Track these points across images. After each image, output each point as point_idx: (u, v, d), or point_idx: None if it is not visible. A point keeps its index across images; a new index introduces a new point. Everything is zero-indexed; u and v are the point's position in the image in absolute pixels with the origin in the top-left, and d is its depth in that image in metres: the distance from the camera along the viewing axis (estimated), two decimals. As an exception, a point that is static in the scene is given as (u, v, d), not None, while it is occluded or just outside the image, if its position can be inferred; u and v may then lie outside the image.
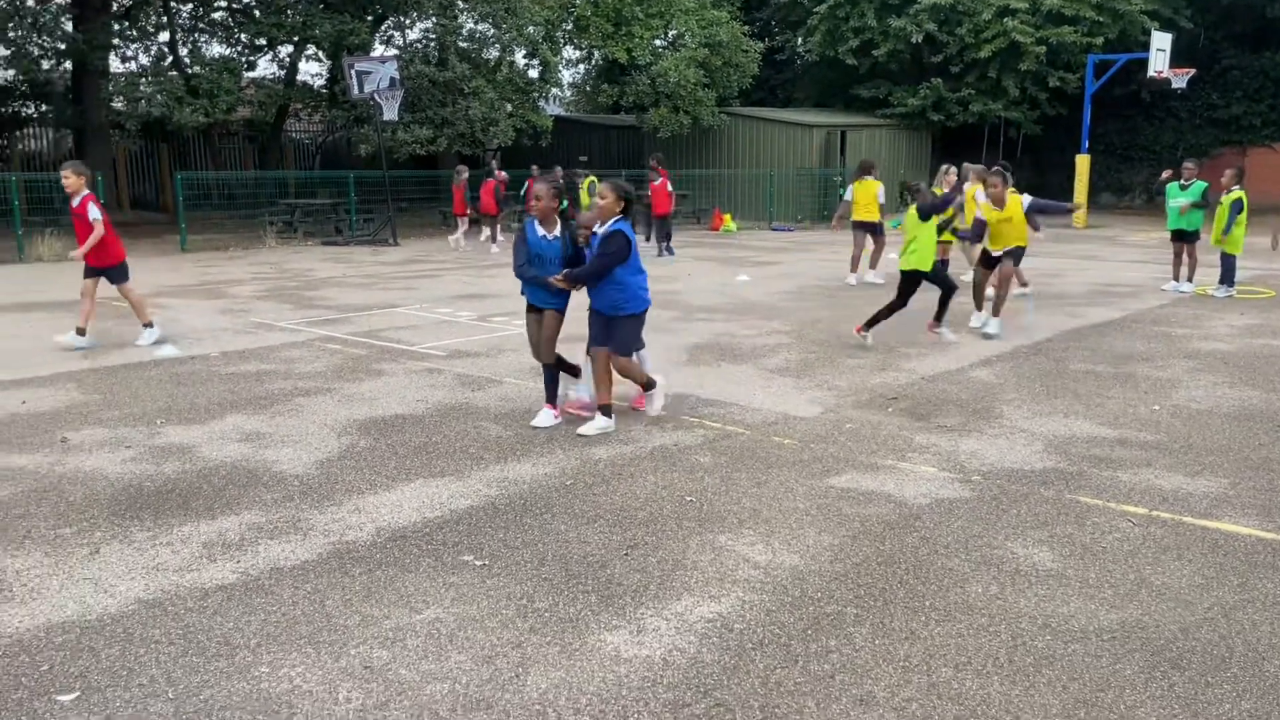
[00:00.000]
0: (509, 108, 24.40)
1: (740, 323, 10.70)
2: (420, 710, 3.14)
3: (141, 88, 22.47)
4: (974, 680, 3.32)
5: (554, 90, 28.59)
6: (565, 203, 6.43)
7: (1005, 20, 27.04)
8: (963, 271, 12.15)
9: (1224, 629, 3.69)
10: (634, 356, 6.59)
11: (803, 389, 7.59)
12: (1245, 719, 3.11)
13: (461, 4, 24.62)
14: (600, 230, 6.10)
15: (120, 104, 23.19)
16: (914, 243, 9.03)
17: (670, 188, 19.47)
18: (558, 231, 6.29)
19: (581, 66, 34.11)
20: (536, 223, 6.29)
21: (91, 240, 9.06)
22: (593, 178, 21.24)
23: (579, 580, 4.12)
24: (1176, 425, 6.54)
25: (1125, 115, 30.65)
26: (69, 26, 22.62)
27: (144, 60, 25.07)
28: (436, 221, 24.45)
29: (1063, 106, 28.90)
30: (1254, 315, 11.09)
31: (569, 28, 26.64)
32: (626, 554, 4.40)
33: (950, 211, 9.78)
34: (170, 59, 24.82)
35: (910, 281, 9.08)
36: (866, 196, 14.25)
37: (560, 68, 28.14)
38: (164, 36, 25.28)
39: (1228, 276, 12.60)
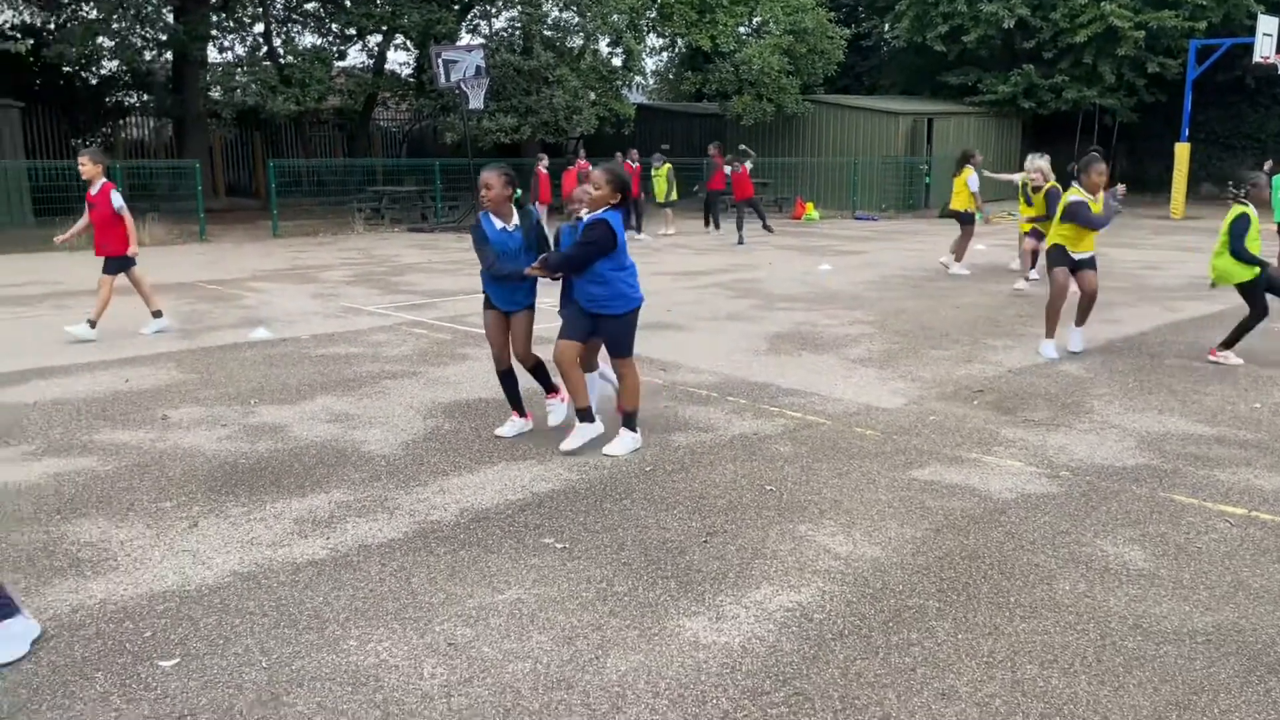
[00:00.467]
0: (592, 96, 24.51)
1: (822, 312, 10.60)
2: (502, 688, 3.20)
3: (237, 77, 23.14)
4: (1060, 679, 3.25)
5: (637, 78, 28.63)
6: (519, 191, 5.89)
7: (1103, 4, 26.21)
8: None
9: (1327, 635, 3.55)
10: (597, 378, 6.16)
11: (886, 380, 7.49)
12: (1349, 729, 2.99)
13: (546, -8, 24.81)
14: (586, 217, 5.59)
15: (217, 93, 23.92)
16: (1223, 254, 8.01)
17: (728, 171, 19.69)
18: (516, 221, 5.72)
19: (664, 54, 34.08)
20: (491, 215, 5.70)
21: (131, 230, 9.06)
22: (669, 165, 21.23)
23: (658, 566, 4.14)
24: (1278, 424, 6.30)
25: (1229, 102, 29.44)
26: (170, 18, 23.37)
27: (240, 50, 25.84)
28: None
29: (1161, 93, 27.93)
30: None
31: (653, 15, 26.61)
32: (705, 541, 4.41)
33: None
34: (265, 49, 25.51)
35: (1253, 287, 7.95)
36: (958, 185, 13.97)
37: (644, 56, 28.15)
38: (259, 27, 25.97)
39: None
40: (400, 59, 29.97)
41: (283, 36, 26.37)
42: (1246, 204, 7.97)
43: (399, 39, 26.49)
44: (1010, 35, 28.25)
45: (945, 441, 5.92)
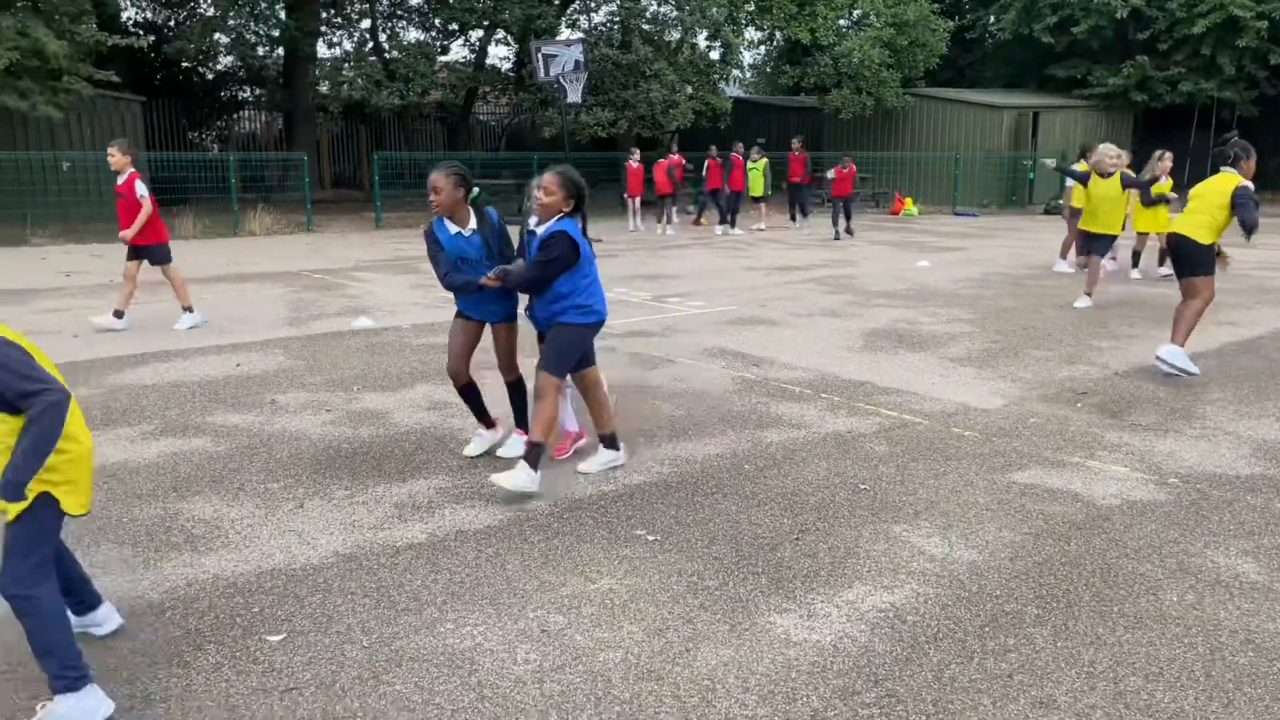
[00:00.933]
0: (689, 90, 24.51)
1: (920, 309, 10.42)
2: (593, 676, 3.25)
3: (345, 72, 23.78)
4: (1166, 692, 3.15)
5: (734, 72, 28.51)
6: (476, 190, 5.15)
7: (1223, -7, 25.12)
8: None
9: None
10: (566, 401, 5.47)
11: (985, 380, 7.33)
12: None
13: (646, -14, 24.88)
14: (540, 230, 4.89)
15: (325, 88, 24.63)
16: None
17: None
18: (473, 225, 5.13)
19: (762, 48, 33.85)
20: (446, 220, 5.13)
21: (141, 219, 8.94)
22: (766, 159, 21.10)
23: (749, 561, 4.14)
24: None
25: (1358, 95, 27.94)
26: (282, 14, 24.15)
27: (347, 46, 26.56)
28: (614, 203, 24.84)
29: (1285, 85, 26.63)
30: None
31: (751, 8, 26.46)
32: (797, 538, 4.39)
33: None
34: (371, 45, 26.16)
35: None
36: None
37: (741, 49, 28.01)
38: (366, 23, 26.65)
39: None
40: (501, 53, 30.43)
41: (388, 32, 27.02)
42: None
43: (500, 34, 26.88)
44: (1123, 26, 27.30)
45: (1047, 444, 5.77)
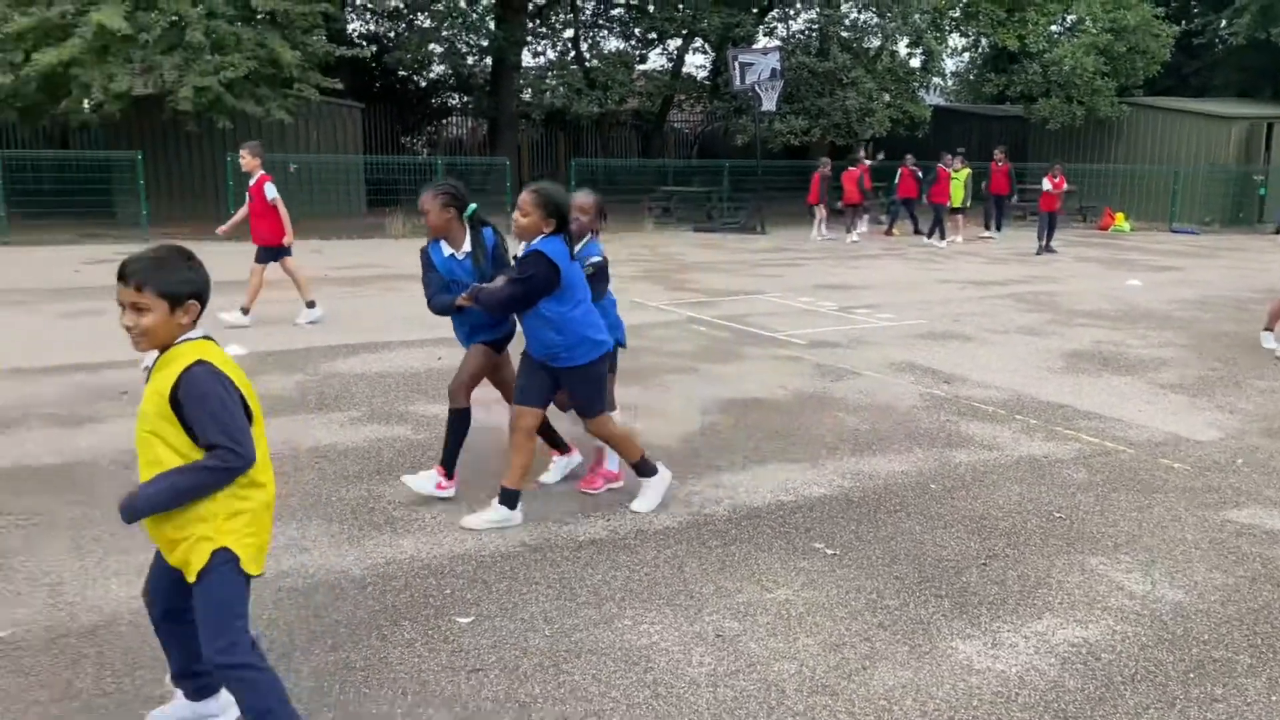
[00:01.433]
0: (886, 98, 23.99)
1: (1128, 331, 9.83)
2: (767, 685, 3.24)
3: (547, 80, 24.60)
4: (1399, 763, 2.87)
5: (935, 80, 27.72)
6: (473, 207, 4.81)
7: None
8: None
9: None
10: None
11: (1199, 409, 6.84)
12: None
13: (846, -6, 24.56)
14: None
15: (528, 95, 25.55)
16: None
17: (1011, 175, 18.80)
18: (467, 246, 4.81)
19: (966, 55, 32.74)
20: (441, 242, 4.85)
21: (285, 222, 9.23)
22: (968, 170, 20.38)
23: (932, 584, 4.03)
24: None
25: None
26: (492, 25, 25.23)
27: (551, 55, 27.44)
28: (804, 211, 24.63)
29: None
30: None
31: (955, 14, 25.65)
32: (985, 564, 4.24)
33: None
34: (573, 54, 26.95)
35: None
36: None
37: (944, 56, 27.20)
38: (569, 33, 27.48)
39: None
40: (697, 62, 30.75)
41: (589, 41, 27.77)
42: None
43: (697, 42, 27.16)
44: (1379, 29, 24.84)
45: (1268, 482, 5.34)
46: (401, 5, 25.64)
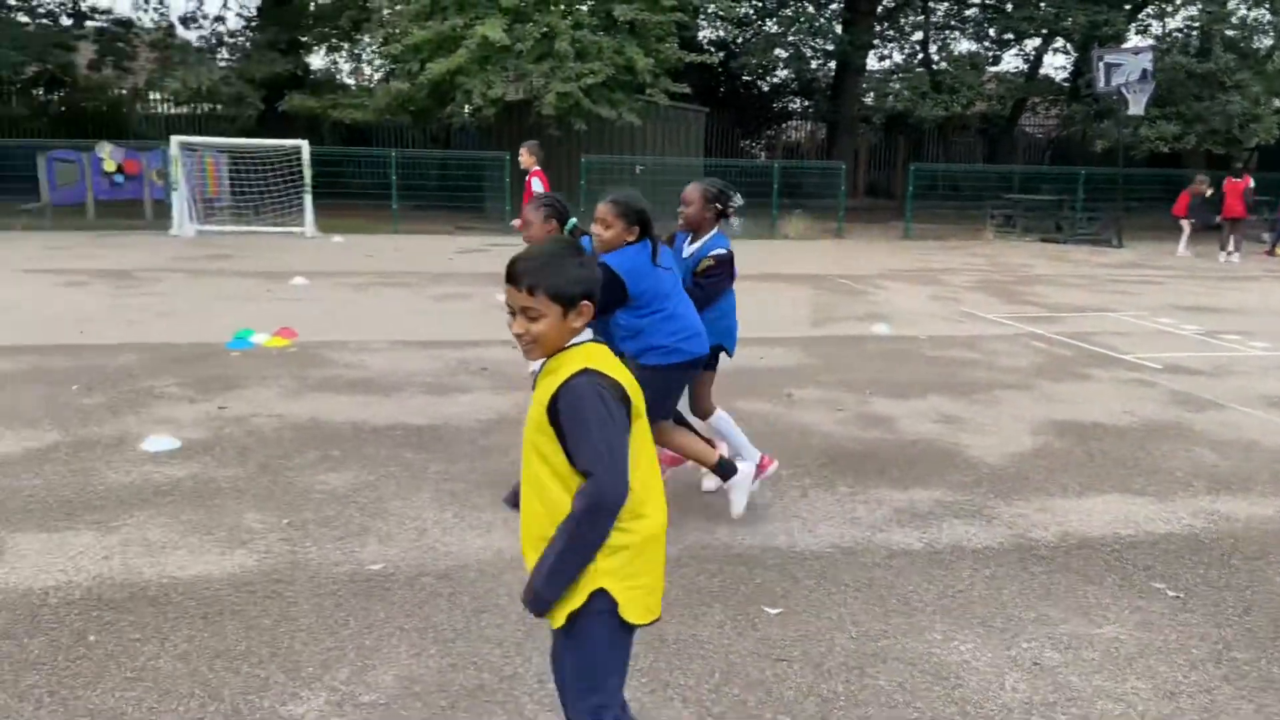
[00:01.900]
0: (1277, 103, 21.31)
1: None
2: (1086, 722, 3.06)
3: (891, 84, 24.18)
4: None
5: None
6: (573, 221, 4.67)
7: None
8: None
9: None
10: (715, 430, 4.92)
11: None
12: None
13: (1237, -13, 22.09)
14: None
15: (870, 99, 25.25)
16: None
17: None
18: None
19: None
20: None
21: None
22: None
23: (1294, 643, 3.60)
24: None
25: None
26: (839, 30, 25.17)
27: (897, 58, 26.94)
28: (1168, 225, 22.46)
29: None
30: None
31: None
32: (1363, 630, 3.72)
33: None
34: (920, 56, 26.28)
35: None
36: None
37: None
38: (918, 36, 26.82)
39: None
40: (1056, 63, 28.95)
41: (939, 44, 26.94)
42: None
43: (1058, 42, 25.54)
44: None
45: None
46: (750, 12, 26.21)
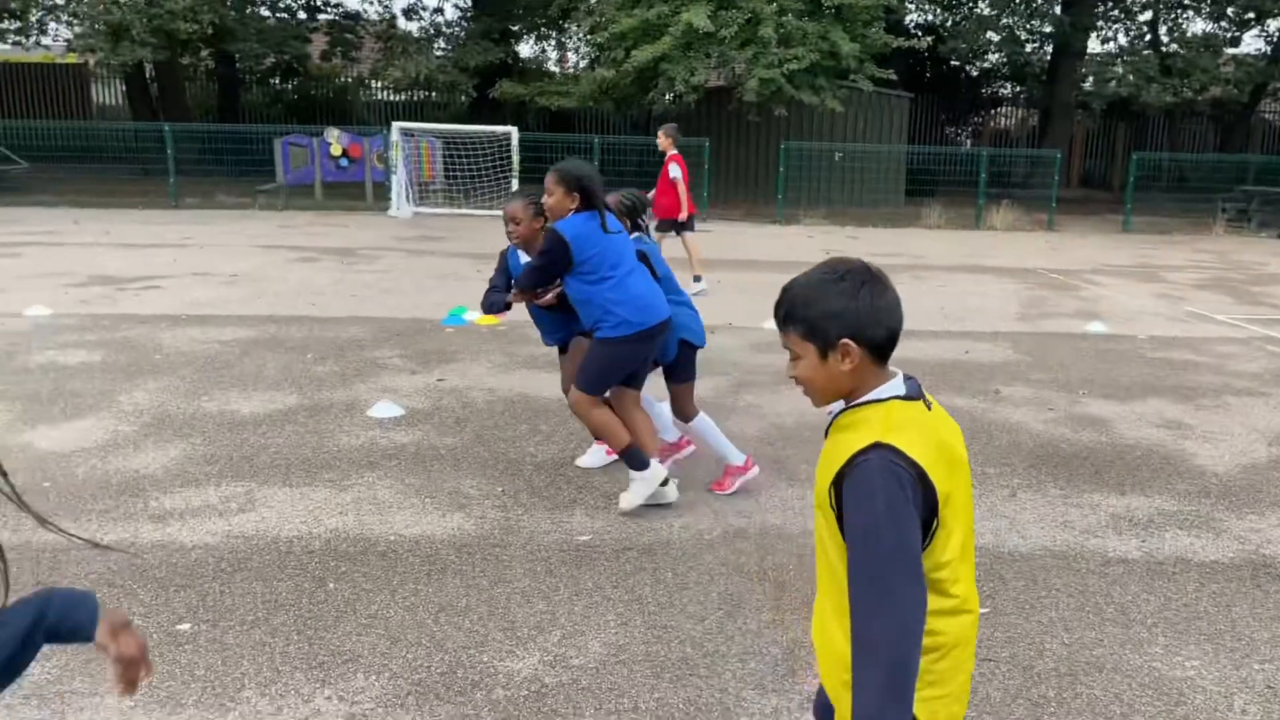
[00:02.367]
0: None
1: None
2: (1328, 754, 2.86)
3: (1114, 68, 22.77)
4: None
5: None
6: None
7: None
8: None
9: None
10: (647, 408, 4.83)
11: None
12: None
13: None
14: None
15: (1089, 84, 23.85)
16: None
17: None
18: None
19: None
20: (520, 251, 4.73)
21: (683, 198, 10.23)
22: None
23: None
24: None
25: None
26: (1058, 10, 23.89)
27: (1122, 40, 25.31)
28: None
29: None
30: None
31: None
32: None
33: None
34: (1148, 37, 24.61)
35: None
36: None
37: None
38: (1146, 16, 25.11)
39: None
40: (1305, 44, 26.35)
41: (1169, 24, 25.13)
42: None
43: (1309, 20, 23.30)
44: None
45: None
46: (962, -7, 25.24)
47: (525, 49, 30.20)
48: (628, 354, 4.38)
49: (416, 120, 24.23)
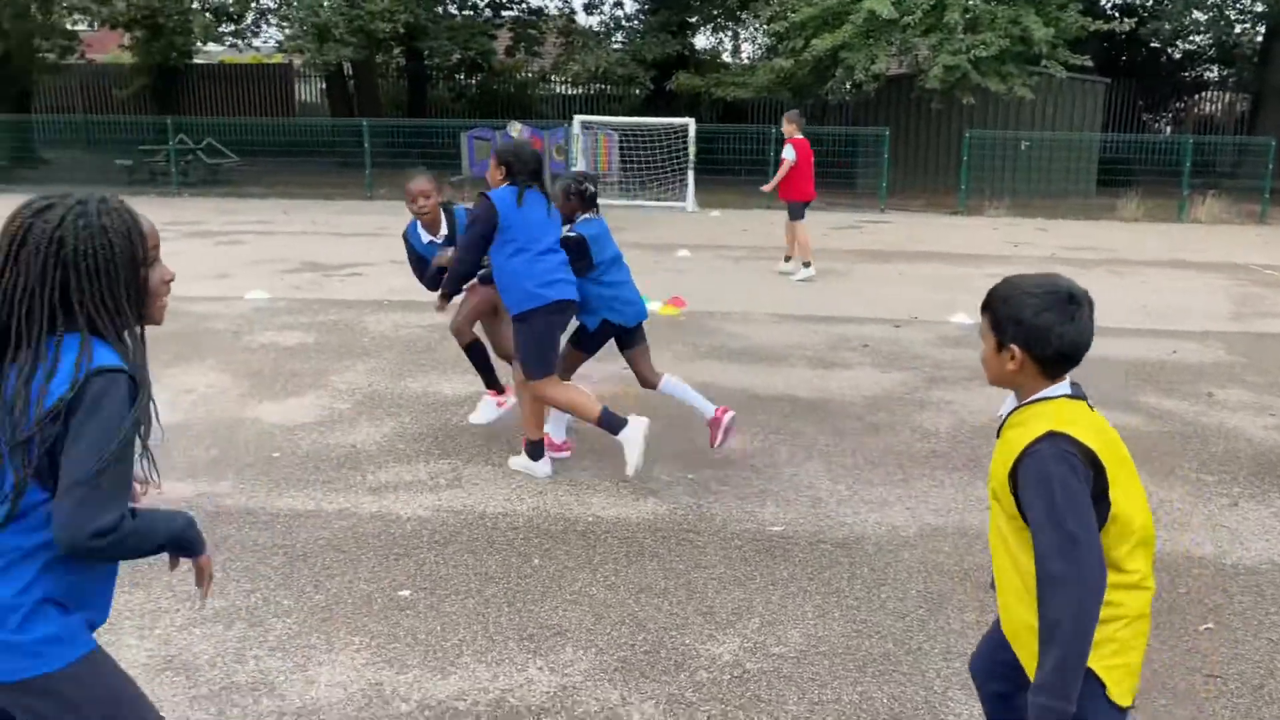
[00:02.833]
0: None
1: None
2: None
3: (1339, 47, 20.93)
4: None
5: None
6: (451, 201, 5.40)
7: None
8: None
9: None
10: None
11: None
12: None
13: None
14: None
15: (1309, 65, 21.98)
16: None
17: None
18: (444, 230, 5.27)
19: None
20: (420, 227, 5.32)
21: (779, 175, 10.55)
22: None
23: None
24: None
25: None
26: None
27: (1348, 17, 23.21)
28: None
29: None
30: None
31: None
32: None
33: None
34: (1379, 14, 22.48)
35: None
36: None
37: None
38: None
39: None
40: None
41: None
42: None
43: None
44: None
45: None
46: (1168, -29, 23.70)
47: (700, 40, 30.28)
48: (543, 325, 4.57)
49: (592, 113, 24.71)
